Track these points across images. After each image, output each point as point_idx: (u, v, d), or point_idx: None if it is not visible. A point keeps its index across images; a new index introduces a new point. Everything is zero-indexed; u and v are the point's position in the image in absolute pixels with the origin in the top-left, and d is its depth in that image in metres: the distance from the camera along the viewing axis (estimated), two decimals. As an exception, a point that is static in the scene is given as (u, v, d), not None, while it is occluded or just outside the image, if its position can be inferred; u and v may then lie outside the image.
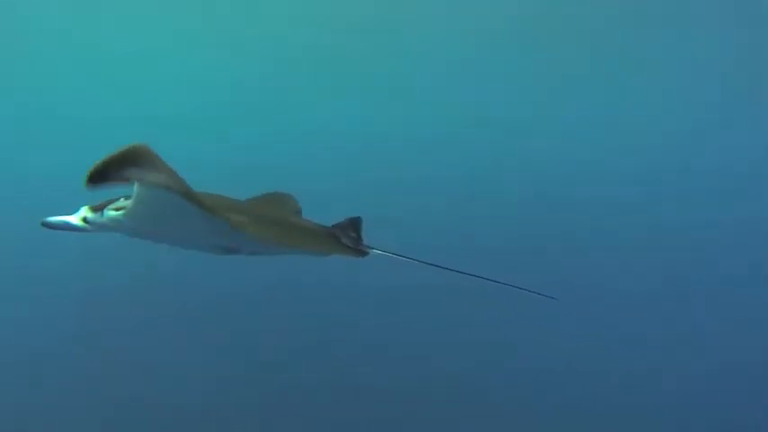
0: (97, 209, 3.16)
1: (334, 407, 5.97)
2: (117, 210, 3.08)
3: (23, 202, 9.91)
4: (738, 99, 17.64)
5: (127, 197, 3.02)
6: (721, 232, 11.54)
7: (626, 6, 17.57)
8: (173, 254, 3.59)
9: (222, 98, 16.41)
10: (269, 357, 6.56)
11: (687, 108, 17.70)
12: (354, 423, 5.87)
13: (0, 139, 13.47)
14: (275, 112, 16.45)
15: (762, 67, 17.54)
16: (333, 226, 3.82)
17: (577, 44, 18.60)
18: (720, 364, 7.44)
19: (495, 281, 3.44)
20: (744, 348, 7.70)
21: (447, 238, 9.03)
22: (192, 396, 5.96)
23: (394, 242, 3.76)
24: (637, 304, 8.54)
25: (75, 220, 3.20)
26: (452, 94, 17.88)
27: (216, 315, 7.16)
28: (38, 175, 11.84)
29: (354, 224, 3.80)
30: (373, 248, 3.72)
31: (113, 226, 3.14)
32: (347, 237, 3.74)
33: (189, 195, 2.48)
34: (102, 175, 2.17)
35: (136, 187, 2.48)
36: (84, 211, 3.20)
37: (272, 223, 3.46)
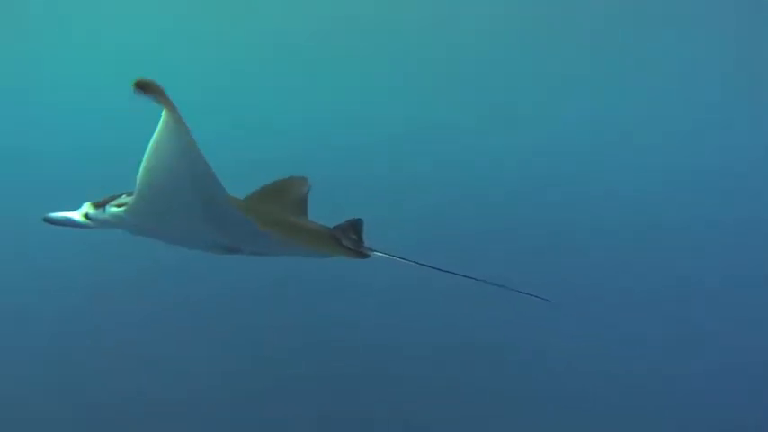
0: (99, 205, 3.12)
1: (336, 404, 5.99)
2: (119, 206, 3.04)
3: (27, 193, 9.98)
4: (738, 99, 17.66)
5: (129, 194, 3.00)
6: (722, 232, 11.56)
7: (626, 7, 17.60)
8: (177, 249, 3.59)
9: (223, 97, 16.44)
10: (272, 353, 6.59)
11: (687, 107, 17.71)
12: (355, 421, 5.89)
13: (7, 129, 13.55)
14: (276, 111, 16.47)
15: (762, 67, 17.56)
16: (334, 228, 3.82)
17: (577, 44, 18.62)
18: (720, 364, 7.44)
19: (492, 283, 3.45)
20: (744, 348, 7.70)
21: (446, 240, 9.06)
22: (196, 390, 6.00)
23: (394, 244, 3.78)
24: (637, 304, 8.55)
25: (77, 216, 3.17)
26: (454, 93, 17.91)
27: (219, 310, 7.21)
28: (42, 166, 11.92)
29: (355, 226, 3.80)
30: (374, 251, 3.72)
31: (115, 222, 3.11)
32: (348, 239, 3.75)
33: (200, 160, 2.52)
34: (150, 88, 2.22)
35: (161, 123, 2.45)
36: (87, 208, 3.16)
37: (274, 223, 3.46)
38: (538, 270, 7.68)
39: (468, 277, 3.47)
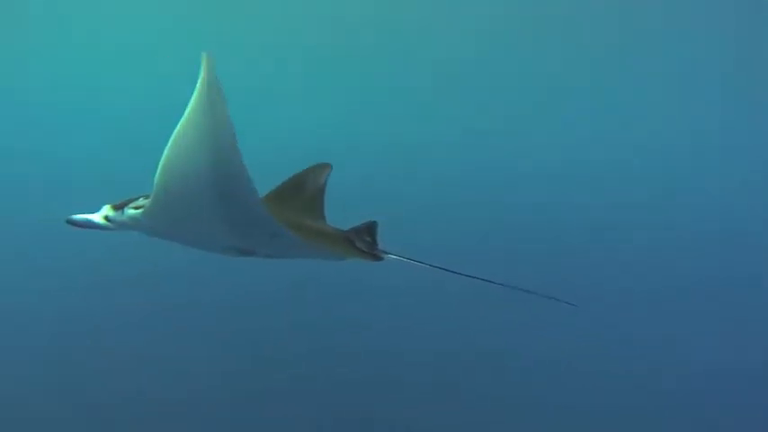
0: (118, 207, 3.16)
1: (341, 406, 6.00)
2: (136, 208, 3.08)
3: (27, 193, 9.96)
4: (738, 100, 17.70)
5: (146, 196, 3.03)
6: (723, 233, 11.63)
7: (627, 8, 17.56)
8: (186, 251, 3.60)
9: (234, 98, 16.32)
10: (280, 355, 6.62)
11: (688, 110, 17.76)
12: (359, 422, 5.90)
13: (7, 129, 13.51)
14: (289, 112, 16.44)
15: (763, 68, 17.56)
16: (348, 230, 3.82)
17: (578, 48, 18.61)
18: (721, 363, 7.49)
19: (513, 287, 3.45)
20: (745, 348, 7.76)
21: (459, 242, 9.07)
22: (201, 391, 6.02)
23: (407, 245, 3.78)
24: (639, 305, 8.60)
25: (97, 218, 3.21)
26: (463, 97, 17.91)
27: (224, 313, 7.21)
28: (41, 167, 11.89)
29: (370, 228, 3.80)
30: (389, 253, 3.72)
31: (132, 224, 3.15)
32: (362, 241, 3.75)
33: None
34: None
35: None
36: (106, 210, 3.20)
37: (295, 227, 3.46)
38: (554, 273, 7.70)
39: (486, 280, 3.48)
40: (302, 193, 4.25)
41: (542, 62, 18.90)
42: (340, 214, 4.19)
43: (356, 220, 3.87)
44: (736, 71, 18.01)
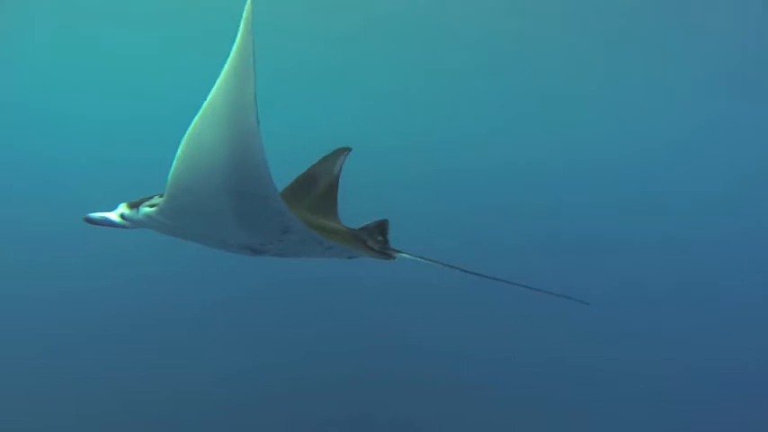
0: (133, 206, 3.18)
1: (351, 403, 6.00)
2: (151, 206, 3.09)
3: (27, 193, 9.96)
4: (743, 104, 17.71)
5: (161, 195, 3.04)
6: (727, 235, 11.71)
7: (631, 8, 17.54)
8: (196, 250, 3.60)
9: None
10: (280, 353, 6.60)
11: (693, 112, 17.74)
12: (366, 419, 5.90)
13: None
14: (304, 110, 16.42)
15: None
16: (360, 229, 3.82)
17: (584, 47, 18.55)
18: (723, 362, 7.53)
19: (523, 286, 3.45)
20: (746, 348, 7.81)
21: (468, 241, 9.09)
22: (211, 387, 6.00)
23: (418, 244, 3.78)
24: (646, 305, 8.63)
25: (114, 216, 3.25)
26: (478, 96, 17.95)
27: (229, 311, 7.21)
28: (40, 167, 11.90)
29: (381, 227, 3.80)
30: (400, 252, 3.72)
31: (147, 222, 3.17)
32: (373, 240, 3.75)
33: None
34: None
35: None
36: (122, 208, 3.23)
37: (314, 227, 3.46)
38: (564, 272, 7.73)
39: (496, 279, 3.49)
40: (315, 188, 4.23)
41: (547, 62, 18.89)
42: (348, 211, 4.20)
43: (363, 219, 3.88)
44: (742, 68, 17.94)
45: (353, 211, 4.17)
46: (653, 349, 7.58)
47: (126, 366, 6.26)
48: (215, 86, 2.37)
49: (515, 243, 9.98)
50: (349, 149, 4.42)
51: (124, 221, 3.23)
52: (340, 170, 4.35)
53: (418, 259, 3.63)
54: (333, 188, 4.28)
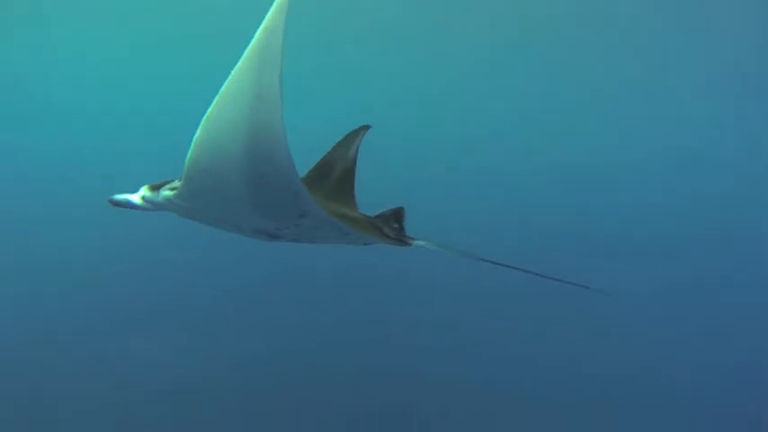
0: (155, 188, 3.23)
1: (364, 393, 6.02)
2: (171, 189, 3.13)
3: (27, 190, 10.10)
4: (758, 99, 17.52)
5: (181, 179, 3.05)
6: (732, 235, 11.58)
7: (640, 9, 17.34)
8: (214, 235, 3.61)
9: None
10: (302, 339, 6.64)
11: (705, 111, 17.61)
12: (377, 414, 5.91)
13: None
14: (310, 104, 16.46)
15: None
16: (376, 216, 3.81)
17: (592, 47, 18.43)
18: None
19: (542, 275, 3.40)
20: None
21: (484, 233, 9.07)
22: (226, 373, 6.06)
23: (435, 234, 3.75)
24: (650, 304, 8.56)
25: (136, 198, 3.30)
26: (492, 96, 17.93)
27: (250, 297, 7.26)
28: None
29: (397, 215, 3.79)
30: (416, 239, 3.70)
31: (166, 205, 3.22)
32: (389, 227, 3.73)
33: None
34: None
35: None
36: (144, 190, 3.28)
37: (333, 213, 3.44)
38: (584, 264, 7.67)
39: (516, 268, 3.45)
40: (331, 176, 4.23)
41: (553, 61, 18.78)
42: (363, 200, 4.17)
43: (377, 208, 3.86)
44: (757, 69, 17.72)
45: (368, 200, 4.14)
46: (673, 350, 7.52)
47: (141, 352, 6.33)
48: (239, 64, 2.38)
49: (533, 241, 9.95)
50: (367, 127, 4.37)
51: (145, 204, 3.28)
52: (356, 153, 4.33)
53: (435, 248, 3.60)
54: (349, 174, 4.25)
